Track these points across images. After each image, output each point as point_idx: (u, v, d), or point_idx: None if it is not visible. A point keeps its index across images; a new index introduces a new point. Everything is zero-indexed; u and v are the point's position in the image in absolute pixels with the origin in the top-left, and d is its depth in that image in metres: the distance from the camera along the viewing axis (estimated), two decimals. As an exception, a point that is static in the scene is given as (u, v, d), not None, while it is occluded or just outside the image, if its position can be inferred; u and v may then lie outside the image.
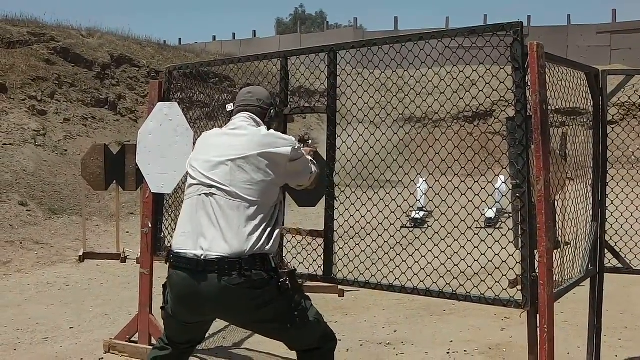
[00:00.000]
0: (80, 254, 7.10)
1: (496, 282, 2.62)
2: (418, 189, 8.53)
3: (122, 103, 14.40)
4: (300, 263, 3.24)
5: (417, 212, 9.63)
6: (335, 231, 3.14)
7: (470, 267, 2.74)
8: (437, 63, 2.81)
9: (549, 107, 2.57)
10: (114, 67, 15.16)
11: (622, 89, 3.53)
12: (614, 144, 3.62)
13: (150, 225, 4.04)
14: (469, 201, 2.80)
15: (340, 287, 5.25)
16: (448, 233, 2.84)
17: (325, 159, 3.15)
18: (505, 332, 4.55)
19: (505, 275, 2.63)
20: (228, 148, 2.54)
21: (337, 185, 3.17)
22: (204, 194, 2.49)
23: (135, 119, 14.04)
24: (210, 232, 2.42)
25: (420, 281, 2.84)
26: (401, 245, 3.08)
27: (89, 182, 6.27)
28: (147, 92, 12.83)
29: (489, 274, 2.65)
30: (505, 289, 2.64)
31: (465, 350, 4.19)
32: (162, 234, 4.10)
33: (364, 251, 3.05)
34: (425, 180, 3.50)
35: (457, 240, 2.74)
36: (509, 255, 2.61)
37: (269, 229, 2.48)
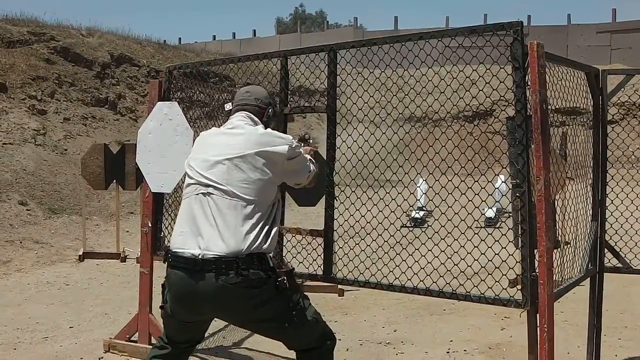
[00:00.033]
0: (80, 253, 7.12)
1: (496, 281, 2.62)
2: (418, 188, 8.53)
3: (122, 102, 14.40)
4: (300, 262, 3.24)
5: (417, 211, 9.63)
6: (335, 230, 3.14)
7: (470, 266, 2.74)
8: (437, 62, 2.81)
9: (549, 107, 2.57)
10: (114, 67, 15.15)
11: (622, 89, 3.53)
12: (614, 144, 3.62)
13: (150, 225, 4.04)
14: (469, 200, 2.80)
15: (340, 286, 5.25)
16: (448, 232, 2.84)
17: (325, 158, 3.15)
18: (505, 332, 4.55)
19: (505, 275, 2.63)
20: (225, 147, 2.54)
21: (337, 184, 3.17)
22: (202, 193, 2.50)
23: (135, 119, 14.04)
24: (207, 231, 2.43)
25: (420, 280, 2.83)
26: (401, 244, 3.07)
27: (89, 182, 6.28)
28: (147, 92, 12.83)
29: (488, 274, 2.65)
30: (505, 289, 2.64)
31: (465, 350, 4.19)
32: (162, 233, 4.10)
33: (363, 250, 3.05)
34: (425, 180, 3.49)
35: (457, 239, 2.74)
36: (509, 254, 2.61)
37: (266, 228, 2.48)
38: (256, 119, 2.70)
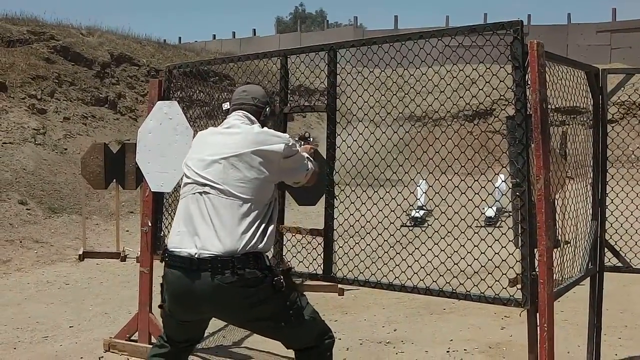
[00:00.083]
0: (80, 252, 7.10)
1: (496, 280, 2.62)
2: (418, 187, 8.53)
3: (122, 102, 14.39)
4: (300, 262, 3.24)
5: (417, 210, 9.63)
6: (335, 230, 3.14)
7: (470, 265, 2.74)
8: (437, 62, 2.81)
9: (549, 106, 2.57)
10: (114, 66, 15.15)
11: (622, 88, 3.53)
12: (613, 143, 3.62)
13: (150, 224, 4.04)
14: (469, 200, 2.80)
15: (340, 285, 5.25)
16: (448, 232, 2.84)
17: (325, 157, 3.15)
18: (505, 331, 4.55)
19: (505, 274, 2.63)
20: (222, 146, 2.54)
21: (337, 184, 3.17)
22: (198, 192, 2.50)
23: (135, 118, 14.04)
24: (204, 230, 2.43)
25: (420, 280, 2.83)
26: (401, 244, 3.07)
27: (89, 181, 6.26)
28: (146, 91, 12.81)
29: (489, 273, 2.65)
30: (505, 288, 2.64)
31: (465, 349, 4.19)
32: (162, 232, 4.10)
33: (363, 250, 3.05)
34: (425, 179, 3.49)
35: (457, 238, 2.74)
36: (509, 254, 2.61)
37: (262, 227, 2.47)
38: (253, 118, 2.70)
